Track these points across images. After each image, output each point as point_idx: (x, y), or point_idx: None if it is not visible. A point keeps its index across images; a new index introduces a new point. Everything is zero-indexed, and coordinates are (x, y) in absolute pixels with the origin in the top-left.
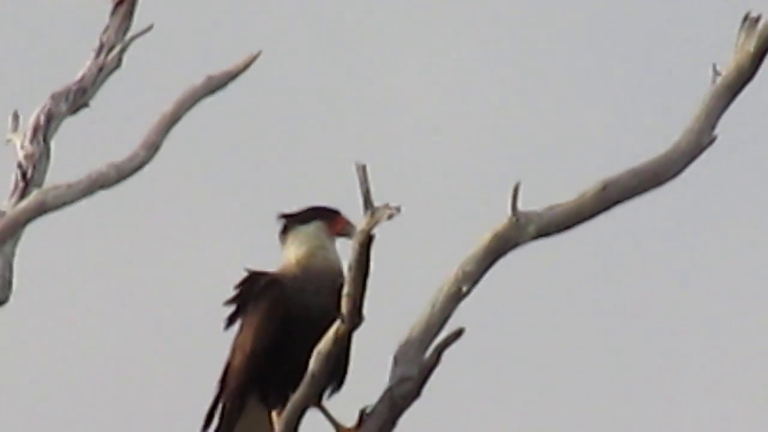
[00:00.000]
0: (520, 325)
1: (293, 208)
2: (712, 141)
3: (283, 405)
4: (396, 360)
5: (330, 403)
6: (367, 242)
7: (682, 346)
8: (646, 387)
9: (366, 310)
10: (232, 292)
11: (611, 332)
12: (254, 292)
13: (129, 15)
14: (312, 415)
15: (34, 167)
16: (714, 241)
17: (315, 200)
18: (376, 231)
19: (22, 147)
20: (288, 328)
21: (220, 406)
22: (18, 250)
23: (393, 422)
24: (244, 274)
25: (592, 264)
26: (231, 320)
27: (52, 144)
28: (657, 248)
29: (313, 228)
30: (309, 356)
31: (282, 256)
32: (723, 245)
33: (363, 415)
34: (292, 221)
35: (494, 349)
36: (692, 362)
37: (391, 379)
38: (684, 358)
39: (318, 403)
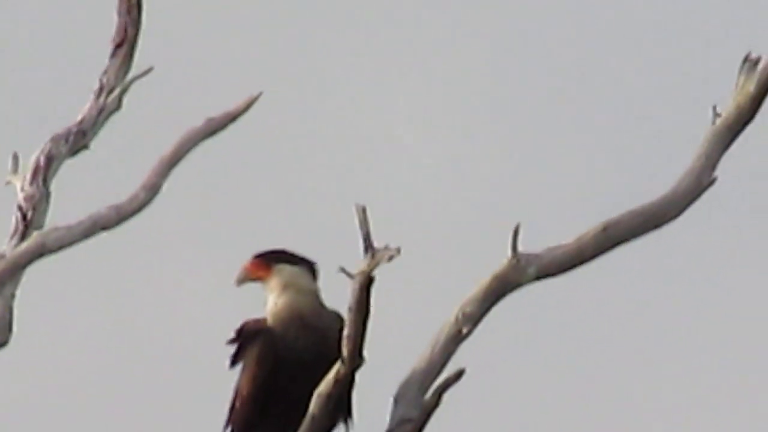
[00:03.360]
0: (521, 366)
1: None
2: (712, 182)
3: None
4: (396, 401)
5: None
6: (367, 284)
7: (681, 389)
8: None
9: (366, 352)
10: (230, 335)
11: (611, 374)
12: (248, 338)
13: (129, 57)
14: None
15: (34, 209)
16: (715, 282)
17: (313, 243)
18: (375, 273)
19: (22, 189)
20: (279, 372)
21: None
22: (18, 292)
23: None
24: (240, 323)
25: (592, 305)
26: (233, 361)
27: (52, 186)
28: (657, 290)
29: None
30: (309, 398)
31: None
32: (723, 286)
33: None
34: None
35: (495, 390)
36: (691, 404)
37: (391, 420)
38: (682, 401)
39: None
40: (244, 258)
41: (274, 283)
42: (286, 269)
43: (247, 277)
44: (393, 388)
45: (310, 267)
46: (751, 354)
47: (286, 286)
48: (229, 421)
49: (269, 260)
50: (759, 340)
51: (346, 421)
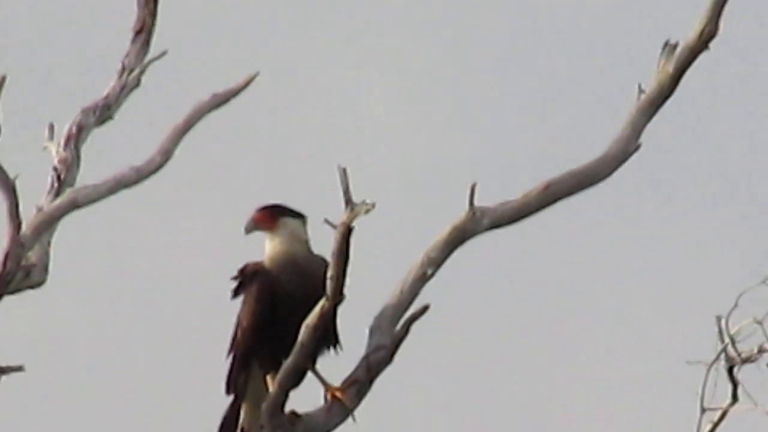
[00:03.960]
0: (478, 302)
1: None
2: (637, 148)
3: (277, 370)
4: (371, 331)
5: (322, 367)
6: (347, 233)
7: (613, 326)
8: (586, 355)
9: (347, 290)
10: (233, 275)
11: (550, 311)
12: (248, 278)
13: (147, 42)
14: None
15: (67, 170)
16: (639, 230)
17: (302, 199)
18: (354, 224)
19: (57, 153)
20: (275, 307)
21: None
22: (53, 240)
23: (369, 384)
24: (241, 265)
25: (538, 251)
26: (235, 294)
27: (82, 150)
28: (592, 238)
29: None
30: (299, 329)
31: None
32: (646, 234)
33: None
34: None
35: (455, 322)
36: (630, 341)
37: (367, 347)
38: (620, 335)
39: (312, 367)
40: (243, 210)
41: (279, 233)
42: (290, 222)
43: (255, 227)
44: (369, 321)
45: (303, 219)
46: (668, 288)
47: (287, 236)
48: (231, 347)
49: (275, 213)
50: (667, 277)
51: (335, 347)
